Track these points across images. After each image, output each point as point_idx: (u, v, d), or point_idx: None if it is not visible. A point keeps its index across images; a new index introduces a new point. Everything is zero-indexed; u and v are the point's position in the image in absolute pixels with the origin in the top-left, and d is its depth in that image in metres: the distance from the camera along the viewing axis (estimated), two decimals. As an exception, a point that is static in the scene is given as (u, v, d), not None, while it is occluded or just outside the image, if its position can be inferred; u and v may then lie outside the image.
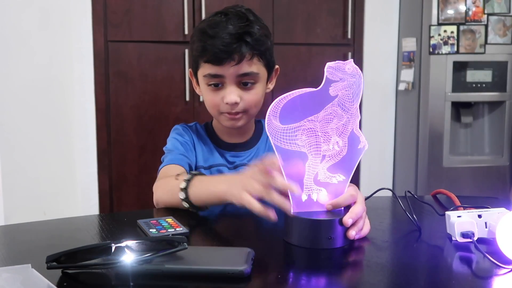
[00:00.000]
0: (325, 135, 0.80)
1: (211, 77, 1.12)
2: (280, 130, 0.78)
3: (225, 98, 1.12)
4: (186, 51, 2.39)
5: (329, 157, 0.81)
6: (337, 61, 0.79)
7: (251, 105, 1.15)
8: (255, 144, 1.27)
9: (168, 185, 1.04)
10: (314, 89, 0.78)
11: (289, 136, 0.79)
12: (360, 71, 0.80)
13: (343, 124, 0.81)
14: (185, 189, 0.97)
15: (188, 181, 0.97)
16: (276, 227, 1.00)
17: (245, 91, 1.13)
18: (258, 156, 1.25)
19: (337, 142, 0.81)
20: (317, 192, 0.82)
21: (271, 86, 1.26)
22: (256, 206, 0.81)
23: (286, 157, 0.79)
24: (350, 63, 0.80)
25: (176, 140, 1.21)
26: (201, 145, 1.23)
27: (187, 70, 2.39)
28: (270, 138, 0.78)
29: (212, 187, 0.94)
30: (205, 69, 1.12)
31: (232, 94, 1.11)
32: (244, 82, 1.12)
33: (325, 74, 0.78)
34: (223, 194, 0.91)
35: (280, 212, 0.82)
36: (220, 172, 1.22)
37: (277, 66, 1.24)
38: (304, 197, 0.81)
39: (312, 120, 0.79)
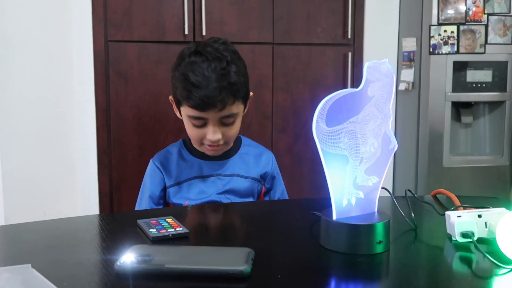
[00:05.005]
0: (363, 137, 0.78)
1: (194, 118, 1.20)
2: (326, 133, 0.75)
3: (208, 136, 1.21)
4: (186, 51, 2.40)
5: (366, 159, 0.79)
6: (374, 61, 0.77)
7: (231, 138, 1.26)
8: (230, 157, 1.34)
9: None
10: (356, 90, 0.76)
11: (334, 139, 0.76)
12: (393, 71, 0.79)
13: (378, 125, 0.79)
14: None
15: None
16: (277, 227, 1.00)
17: (226, 127, 1.23)
18: (234, 167, 1.33)
19: (373, 143, 0.79)
20: (355, 195, 0.80)
21: (245, 110, 1.35)
22: None
23: (330, 162, 0.76)
24: (385, 64, 0.78)
25: (144, 185, 1.34)
26: (170, 169, 1.32)
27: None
28: (317, 142, 0.75)
29: None
30: (189, 111, 1.20)
31: (215, 133, 1.20)
32: (226, 122, 1.22)
33: (365, 74, 0.76)
34: None
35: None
36: (192, 184, 1.30)
37: (251, 93, 1.32)
38: (344, 202, 0.79)
39: (353, 121, 0.77)
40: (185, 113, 1.22)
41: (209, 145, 1.24)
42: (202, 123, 1.21)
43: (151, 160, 1.36)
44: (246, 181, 1.33)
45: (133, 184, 2.40)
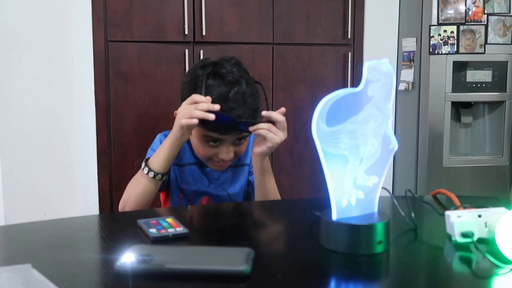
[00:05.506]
0: (363, 137, 0.78)
1: (210, 139, 1.20)
2: (326, 133, 0.75)
3: (221, 155, 1.22)
4: (186, 51, 2.40)
5: (366, 159, 0.79)
6: (374, 61, 0.76)
7: (240, 154, 1.27)
8: None
9: (133, 180, 1.20)
10: (356, 90, 0.76)
11: (334, 139, 0.75)
12: (393, 71, 0.78)
13: (378, 125, 0.78)
14: (146, 166, 1.15)
15: (145, 160, 1.18)
16: (277, 227, 1.00)
17: (239, 146, 1.24)
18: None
19: (373, 143, 0.79)
20: (355, 195, 0.80)
21: None
22: (192, 119, 1.08)
23: (330, 162, 0.76)
24: (385, 63, 0.78)
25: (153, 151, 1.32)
26: None
27: (187, 71, 2.39)
28: (317, 142, 0.74)
29: (163, 145, 1.16)
30: (206, 132, 1.19)
31: (229, 153, 1.22)
32: (240, 142, 1.24)
33: (365, 74, 0.75)
34: (171, 139, 1.14)
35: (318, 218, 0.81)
36: (191, 170, 1.31)
37: None
38: (344, 202, 0.79)
39: (353, 121, 0.76)
40: (200, 133, 1.21)
41: (217, 162, 1.25)
42: (216, 143, 1.21)
43: (159, 134, 1.36)
44: (240, 169, 1.35)
45: (133, 184, 2.40)
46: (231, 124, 1.14)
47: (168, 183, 1.31)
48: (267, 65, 2.54)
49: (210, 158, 1.24)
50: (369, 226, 0.77)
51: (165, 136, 1.33)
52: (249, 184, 1.39)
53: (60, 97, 2.34)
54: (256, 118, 1.20)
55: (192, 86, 1.20)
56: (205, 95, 1.14)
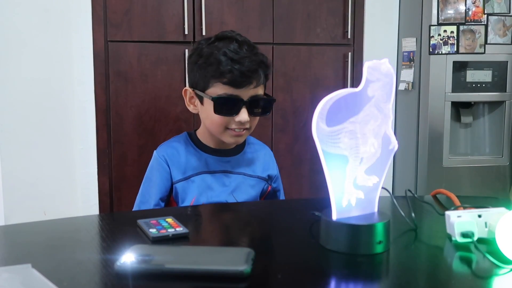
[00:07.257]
0: (363, 137, 0.78)
1: (225, 100, 1.20)
2: (326, 133, 0.75)
3: (237, 118, 1.21)
4: (186, 51, 2.39)
5: (366, 159, 0.79)
6: (374, 61, 0.76)
7: (253, 126, 1.28)
8: (236, 154, 1.35)
9: None
10: (356, 90, 0.76)
11: (334, 139, 0.75)
12: (393, 71, 0.78)
13: (378, 125, 0.78)
14: None
15: None
16: (277, 227, 1.00)
17: (252, 116, 1.24)
18: (240, 166, 1.33)
19: (373, 143, 0.79)
20: (356, 195, 0.80)
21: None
22: None
23: (330, 162, 0.76)
24: (385, 63, 0.78)
25: (151, 181, 1.32)
26: (177, 163, 1.30)
27: (187, 74, 2.39)
28: (317, 142, 0.74)
29: None
30: (220, 89, 1.20)
31: (245, 113, 1.21)
32: (254, 110, 1.24)
33: (365, 74, 0.76)
34: None
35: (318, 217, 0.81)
36: (201, 179, 1.28)
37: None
38: (344, 202, 0.79)
39: (353, 121, 0.76)
40: (216, 94, 1.21)
41: (235, 130, 1.24)
42: (231, 108, 1.20)
43: (155, 153, 1.33)
44: (252, 179, 1.33)
45: (133, 184, 2.40)
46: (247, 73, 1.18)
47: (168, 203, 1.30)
48: (267, 65, 2.53)
49: (227, 128, 1.24)
50: (369, 226, 0.77)
51: (161, 157, 1.31)
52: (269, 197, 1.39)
53: (60, 97, 2.34)
54: (267, 78, 1.24)
55: (198, 52, 1.23)
56: (220, 49, 1.19)
